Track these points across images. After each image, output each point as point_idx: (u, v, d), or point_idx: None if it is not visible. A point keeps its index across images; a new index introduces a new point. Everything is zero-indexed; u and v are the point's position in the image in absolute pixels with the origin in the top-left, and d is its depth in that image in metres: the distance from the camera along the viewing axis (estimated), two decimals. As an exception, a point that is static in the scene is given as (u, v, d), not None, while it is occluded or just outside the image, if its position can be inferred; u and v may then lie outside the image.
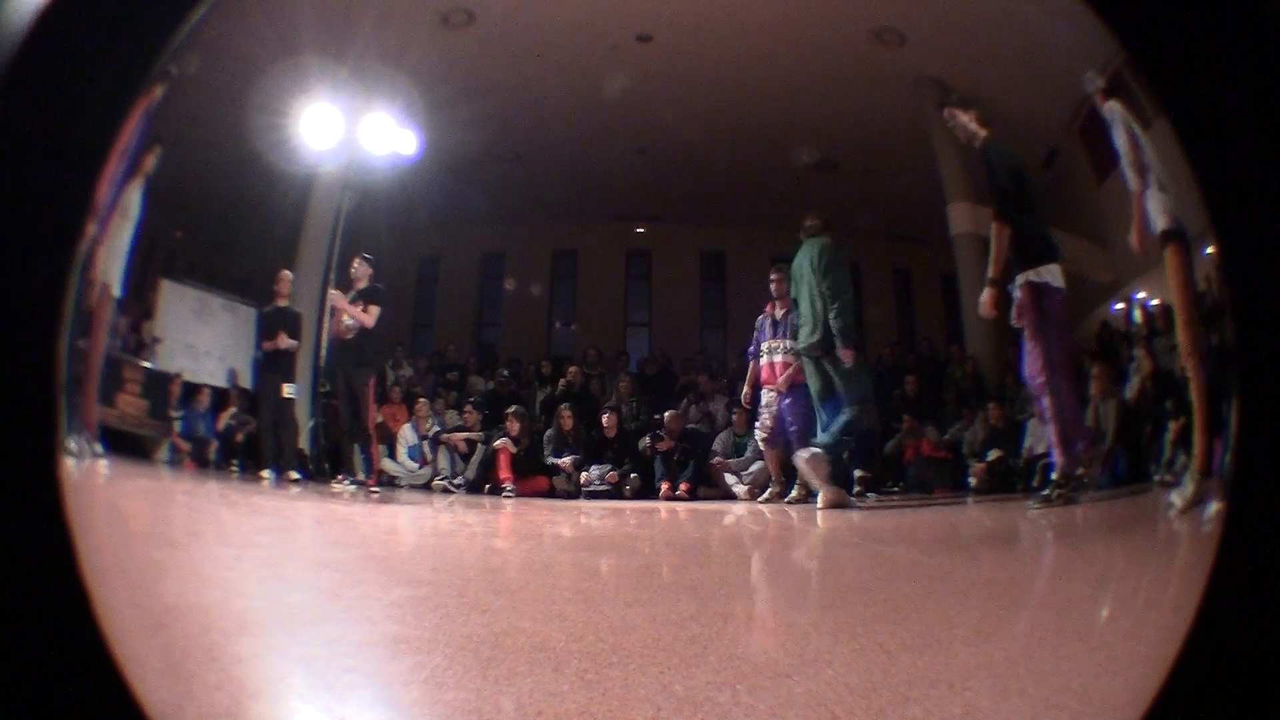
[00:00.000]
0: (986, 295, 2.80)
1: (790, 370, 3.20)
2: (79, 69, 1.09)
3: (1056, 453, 2.71)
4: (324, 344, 3.23)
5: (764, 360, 3.22)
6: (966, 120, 2.85)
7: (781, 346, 3.19)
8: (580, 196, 3.13)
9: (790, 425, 3.21)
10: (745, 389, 3.25)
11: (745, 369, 3.27)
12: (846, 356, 3.10)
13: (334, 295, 3.17)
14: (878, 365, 3.25)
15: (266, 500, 3.08)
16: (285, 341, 3.11)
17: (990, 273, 2.82)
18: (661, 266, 3.44)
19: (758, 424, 3.23)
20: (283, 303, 3.13)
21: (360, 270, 3.18)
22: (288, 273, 3.11)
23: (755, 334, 3.22)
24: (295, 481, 3.11)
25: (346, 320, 3.21)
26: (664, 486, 3.30)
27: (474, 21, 2.89)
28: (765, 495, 3.19)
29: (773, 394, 3.22)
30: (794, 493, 3.15)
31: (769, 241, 3.35)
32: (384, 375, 3.43)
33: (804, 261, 3.09)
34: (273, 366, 3.15)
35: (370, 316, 3.20)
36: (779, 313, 3.18)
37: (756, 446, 3.30)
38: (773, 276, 3.17)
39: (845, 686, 1.40)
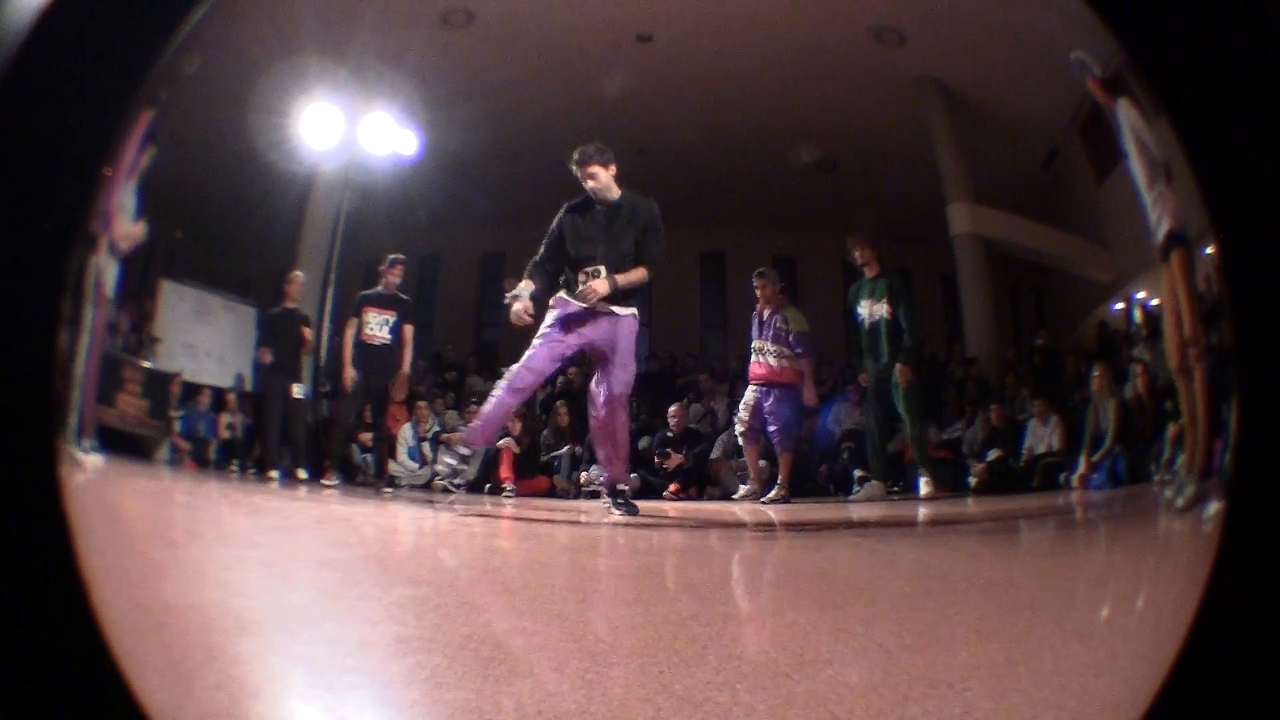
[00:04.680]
0: None
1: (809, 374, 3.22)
2: (79, 69, 1.09)
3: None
4: (347, 346, 3.21)
5: (751, 359, 3.22)
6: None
7: (767, 348, 3.20)
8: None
9: (770, 424, 3.22)
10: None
11: (747, 367, 3.28)
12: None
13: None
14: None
15: (266, 500, 3.08)
16: (267, 356, 3.09)
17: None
18: (661, 266, 3.44)
19: (736, 418, 3.23)
20: (291, 304, 3.12)
21: (394, 274, 3.16)
22: (299, 273, 3.10)
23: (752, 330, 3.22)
24: (303, 481, 3.11)
25: (369, 330, 3.20)
26: (673, 487, 3.32)
27: (474, 21, 2.89)
28: (742, 493, 3.20)
29: (755, 391, 3.21)
30: (772, 492, 3.16)
31: (769, 241, 3.35)
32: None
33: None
34: (281, 368, 3.14)
35: (409, 343, 3.21)
36: (765, 313, 3.19)
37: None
38: (756, 282, 3.19)
39: (845, 686, 1.40)
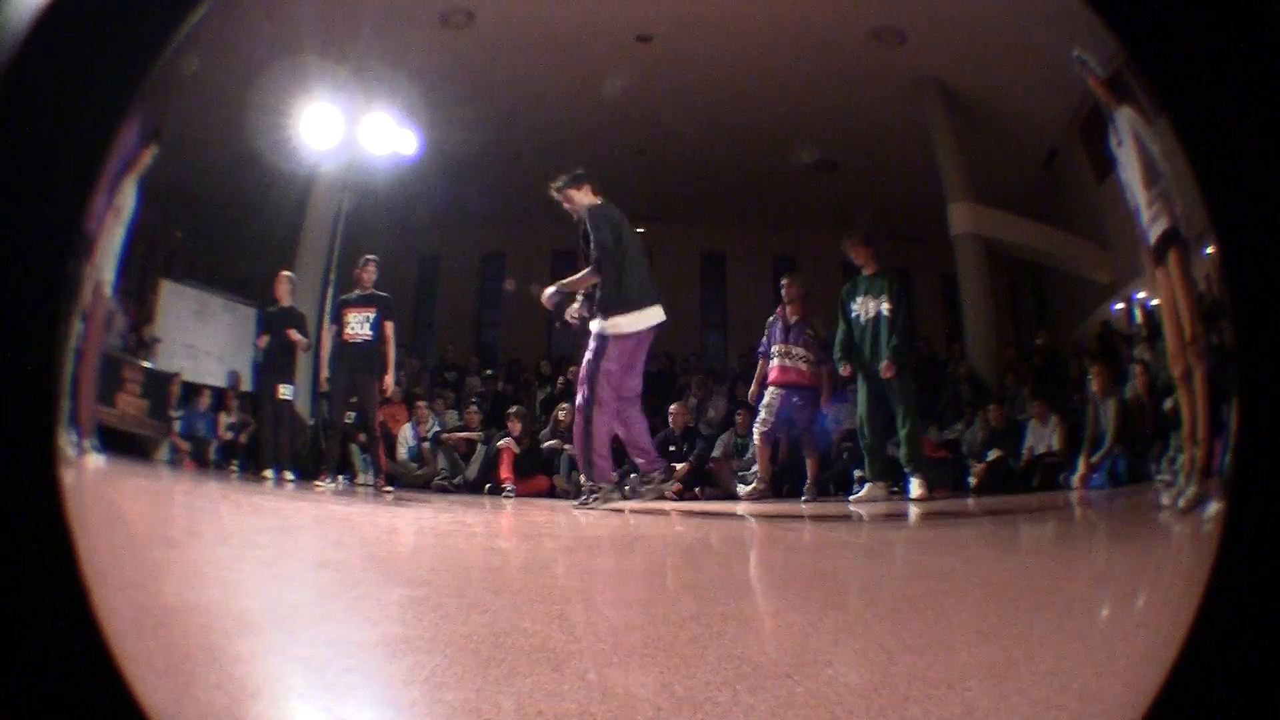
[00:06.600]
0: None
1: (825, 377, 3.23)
2: (79, 69, 1.09)
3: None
4: (325, 349, 3.23)
5: (774, 362, 3.23)
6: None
7: (795, 352, 3.21)
8: (580, 196, 3.12)
9: (798, 427, 3.23)
10: (753, 388, 3.27)
11: (753, 367, 3.28)
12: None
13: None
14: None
15: (266, 500, 3.08)
16: (296, 337, 3.12)
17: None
18: (662, 266, 3.44)
19: (757, 420, 3.24)
20: (285, 303, 3.13)
21: (367, 273, 3.18)
22: (287, 273, 3.11)
23: (766, 333, 3.22)
24: (292, 481, 3.12)
25: (350, 330, 3.22)
26: (675, 487, 3.32)
27: (474, 21, 2.89)
28: (746, 491, 3.21)
29: (781, 394, 3.23)
30: (805, 494, 3.19)
31: (769, 241, 3.35)
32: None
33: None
34: (271, 368, 3.15)
35: (391, 340, 3.22)
36: (793, 318, 3.20)
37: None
38: (784, 282, 3.19)
39: (845, 686, 1.40)
